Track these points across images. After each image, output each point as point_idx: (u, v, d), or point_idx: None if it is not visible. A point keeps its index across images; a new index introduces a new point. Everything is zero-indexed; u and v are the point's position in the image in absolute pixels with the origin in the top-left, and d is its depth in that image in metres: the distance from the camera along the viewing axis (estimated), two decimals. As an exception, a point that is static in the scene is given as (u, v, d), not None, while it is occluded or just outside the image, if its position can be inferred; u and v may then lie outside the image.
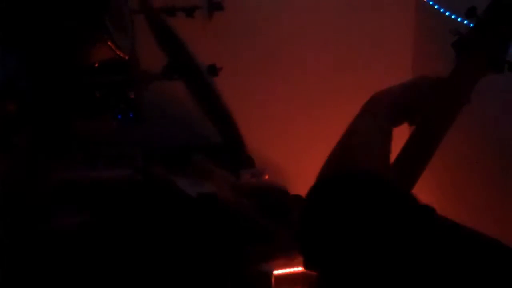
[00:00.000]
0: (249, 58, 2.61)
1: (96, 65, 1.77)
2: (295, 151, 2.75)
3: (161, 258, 1.41)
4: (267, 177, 2.29)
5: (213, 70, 1.92)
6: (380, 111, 0.86)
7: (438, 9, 2.15)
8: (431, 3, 2.22)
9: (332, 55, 2.70)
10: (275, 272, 2.28)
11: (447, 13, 1.99)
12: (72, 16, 1.60)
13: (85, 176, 1.77)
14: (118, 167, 2.12)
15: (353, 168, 0.73)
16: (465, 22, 1.80)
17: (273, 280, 1.64)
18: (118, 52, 1.69)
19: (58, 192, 1.73)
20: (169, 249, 1.42)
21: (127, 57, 1.78)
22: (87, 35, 1.65)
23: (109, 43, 1.64)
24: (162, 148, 2.31)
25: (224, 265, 1.48)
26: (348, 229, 0.63)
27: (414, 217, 0.63)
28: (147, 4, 2.16)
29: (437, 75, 0.94)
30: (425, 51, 2.67)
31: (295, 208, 1.88)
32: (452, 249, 0.59)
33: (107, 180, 1.81)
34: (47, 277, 1.45)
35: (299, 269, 2.53)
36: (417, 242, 0.60)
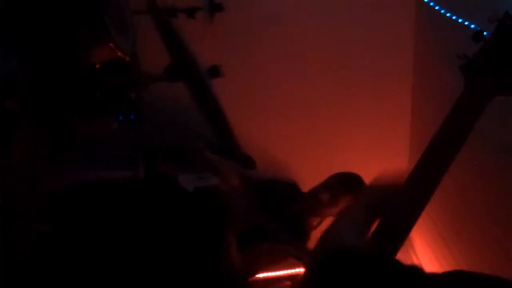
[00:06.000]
0: (250, 58, 2.61)
1: (97, 66, 1.77)
2: (296, 151, 2.76)
3: (158, 252, 1.43)
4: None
5: (215, 71, 1.92)
6: (362, 209, 1.01)
7: (438, 10, 2.15)
8: (431, 4, 2.23)
9: (333, 55, 2.70)
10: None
11: (447, 14, 1.99)
12: (72, 17, 1.61)
13: (87, 176, 1.78)
14: (118, 167, 2.13)
15: (342, 244, 0.88)
16: (466, 23, 1.80)
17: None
18: (119, 54, 1.70)
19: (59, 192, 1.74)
20: (166, 241, 1.45)
21: (128, 58, 1.79)
22: (88, 36, 1.66)
23: (110, 44, 1.65)
24: (162, 148, 2.32)
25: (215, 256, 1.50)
26: None
27: (404, 276, 0.72)
28: (155, 5, 2.16)
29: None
30: (425, 51, 2.67)
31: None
32: None
33: (110, 180, 1.83)
34: (46, 276, 1.46)
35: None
36: None
